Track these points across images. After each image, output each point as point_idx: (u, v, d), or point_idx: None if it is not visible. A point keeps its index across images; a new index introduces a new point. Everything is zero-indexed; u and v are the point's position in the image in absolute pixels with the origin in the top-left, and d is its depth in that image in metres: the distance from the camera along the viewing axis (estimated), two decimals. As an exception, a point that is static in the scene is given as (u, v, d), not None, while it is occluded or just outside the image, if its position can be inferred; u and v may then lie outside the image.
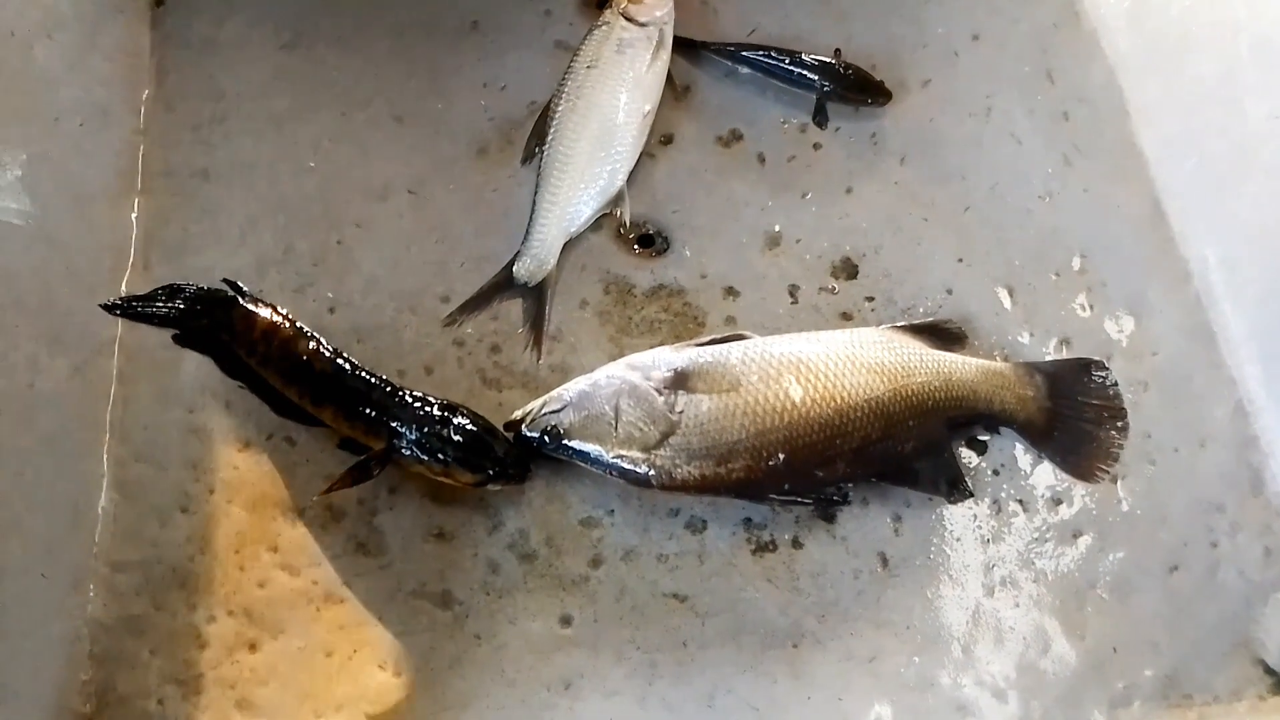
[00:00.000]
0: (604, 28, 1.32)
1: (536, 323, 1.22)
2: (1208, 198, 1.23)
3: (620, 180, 1.27)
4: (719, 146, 1.34)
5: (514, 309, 1.22)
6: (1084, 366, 1.18)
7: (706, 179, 1.31)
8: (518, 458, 1.08)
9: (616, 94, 1.28)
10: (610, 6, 1.33)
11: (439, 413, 1.08)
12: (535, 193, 1.26)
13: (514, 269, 1.24)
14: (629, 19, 1.31)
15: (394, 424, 1.07)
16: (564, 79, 1.31)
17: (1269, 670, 1.04)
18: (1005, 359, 1.18)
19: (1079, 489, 1.13)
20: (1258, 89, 1.17)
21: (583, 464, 1.11)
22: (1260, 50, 1.15)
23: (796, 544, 1.10)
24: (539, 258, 1.24)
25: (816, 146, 1.33)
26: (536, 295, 1.24)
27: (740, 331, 1.18)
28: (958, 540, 1.10)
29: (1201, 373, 1.18)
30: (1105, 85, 1.35)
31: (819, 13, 1.42)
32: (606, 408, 1.10)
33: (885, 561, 1.10)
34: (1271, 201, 1.15)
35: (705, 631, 1.06)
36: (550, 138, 1.28)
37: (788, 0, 1.42)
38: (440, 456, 1.06)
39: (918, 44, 1.41)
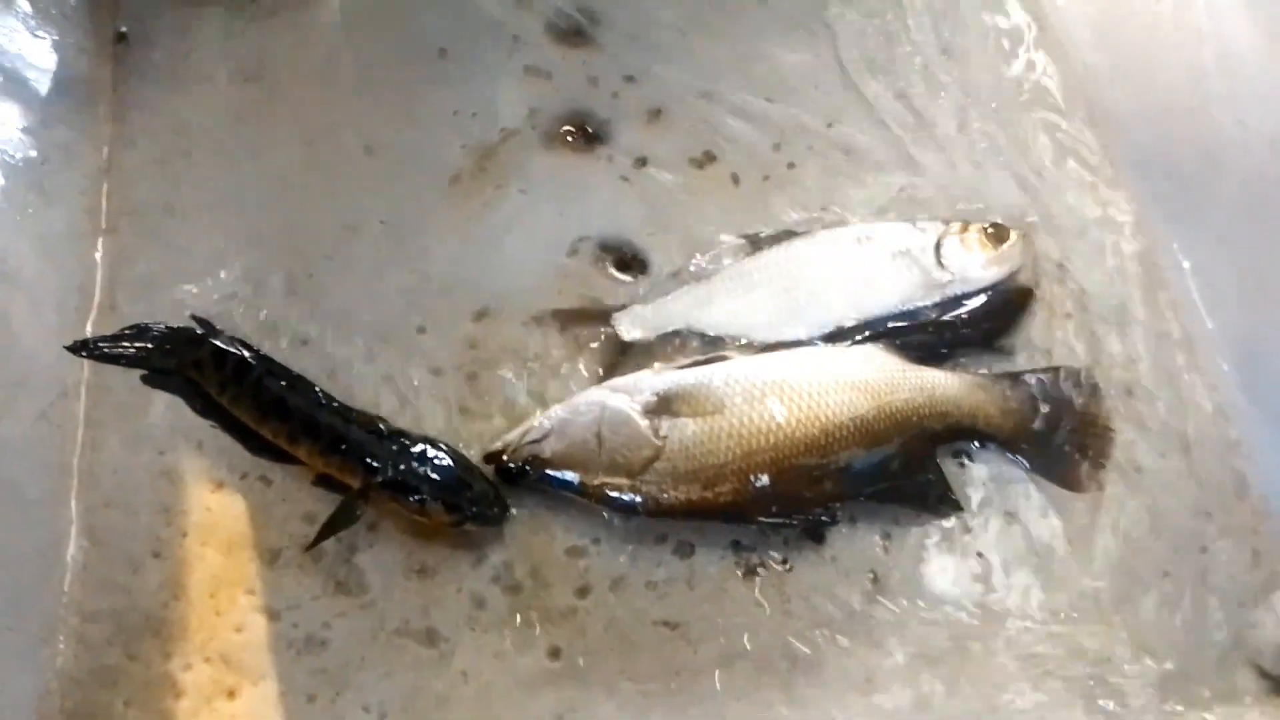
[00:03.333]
0: (908, 229, 1.22)
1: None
2: (1180, 206, 1.24)
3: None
4: (693, 168, 1.34)
5: (491, 338, 1.20)
6: (1066, 377, 1.17)
7: (680, 199, 1.30)
8: (496, 497, 1.06)
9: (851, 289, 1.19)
10: (959, 229, 1.21)
11: (416, 449, 1.06)
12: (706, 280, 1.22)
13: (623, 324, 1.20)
14: (942, 263, 1.19)
15: (370, 461, 1.05)
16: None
17: (1263, 674, 1.04)
18: (988, 372, 1.17)
19: (1067, 499, 1.12)
20: (1224, 97, 1.19)
21: (567, 493, 1.10)
22: (1224, 58, 1.17)
23: (786, 565, 1.09)
24: (644, 323, 1.20)
25: (790, 166, 1.33)
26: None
27: (723, 352, 1.16)
28: (948, 555, 1.09)
29: (1182, 379, 1.18)
30: (1074, 97, 1.36)
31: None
32: (589, 435, 1.08)
33: (876, 579, 1.08)
34: (1241, 208, 1.16)
35: (698, 659, 1.04)
36: (773, 260, 1.22)
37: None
38: (417, 496, 1.04)
39: (887, 59, 1.41)
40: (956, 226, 1.22)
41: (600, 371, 1.18)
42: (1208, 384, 1.18)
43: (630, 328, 1.20)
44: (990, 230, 1.21)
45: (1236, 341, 1.17)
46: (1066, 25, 1.39)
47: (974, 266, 1.19)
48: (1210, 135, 1.20)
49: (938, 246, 1.20)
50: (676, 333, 1.21)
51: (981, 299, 1.21)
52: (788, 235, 1.26)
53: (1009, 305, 1.22)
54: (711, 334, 1.20)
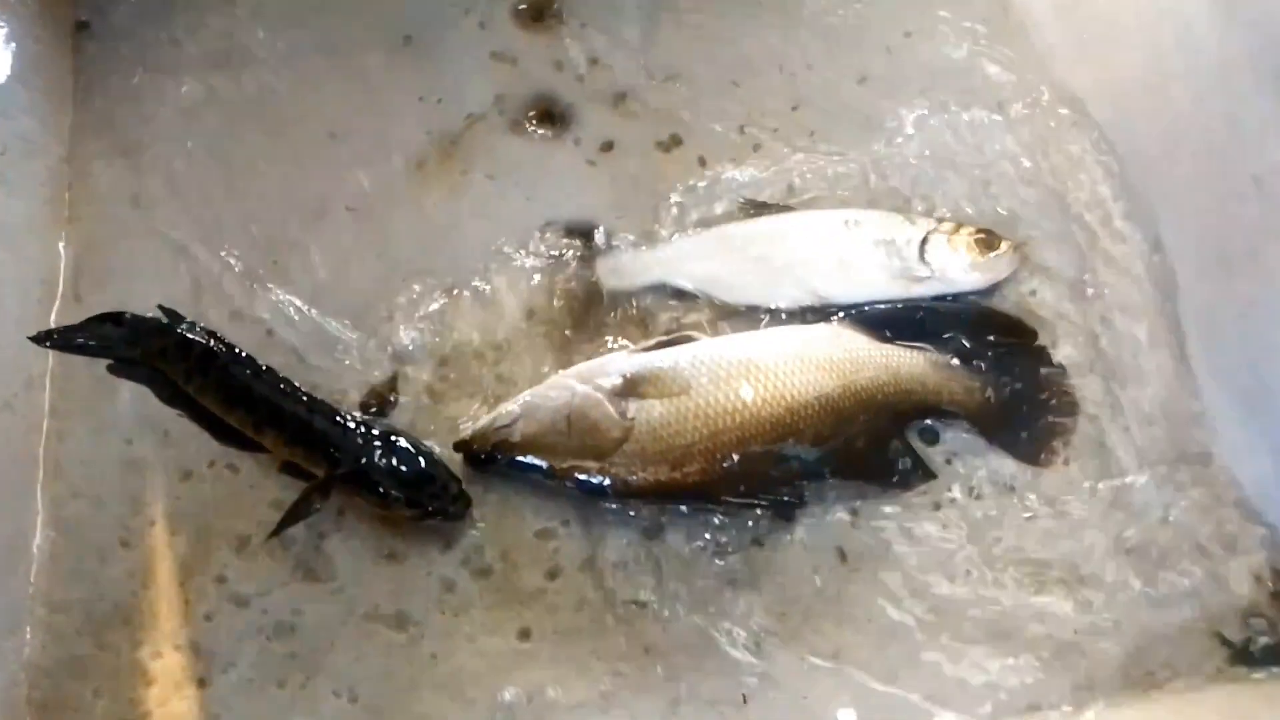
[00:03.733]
0: (899, 220, 1.21)
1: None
2: (1142, 182, 1.25)
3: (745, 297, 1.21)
4: (659, 151, 1.34)
5: (462, 323, 1.20)
6: (1029, 353, 1.18)
7: (647, 183, 1.30)
8: (458, 493, 1.06)
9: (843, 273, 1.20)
10: (950, 229, 1.20)
11: (379, 441, 1.06)
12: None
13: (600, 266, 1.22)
14: (925, 259, 1.18)
15: (334, 452, 1.04)
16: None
17: (1225, 642, 1.05)
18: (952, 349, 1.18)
19: (1032, 474, 1.13)
20: (1182, 76, 1.20)
21: (536, 477, 1.10)
22: (1184, 36, 1.18)
23: (755, 543, 1.10)
24: (625, 271, 1.22)
25: (756, 148, 1.33)
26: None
27: (688, 333, 1.17)
28: (915, 531, 1.10)
29: (1144, 353, 1.19)
30: (1037, 78, 1.36)
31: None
32: (557, 419, 1.09)
33: (844, 556, 1.09)
34: (1202, 183, 1.17)
35: (667, 637, 1.05)
36: (758, 228, 1.23)
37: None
38: (380, 490, 1.04)
39: (852, 43, 1.42)
40: (949, 226, 1.21)
41: (570, 321, 1.20)
42: (1170, 358, 1.19)
43: (610, 274, 1.22)
44: (981, 236, 1.20)
45: (1197, 314, 1.18)
46: (1029, 7, 1.40)
47: (956, 268, 1.19)
48: (1170, 113, 1.21)
49: (924, 242, 1.20)
50: (655, 286, 1.22)
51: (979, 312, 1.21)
52: (783, 208, 1.26)
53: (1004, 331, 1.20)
54: (689, 289, 1.22)
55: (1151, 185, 1.24)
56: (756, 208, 1.28)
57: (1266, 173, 1.08)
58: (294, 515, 1.03)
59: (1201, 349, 1.17)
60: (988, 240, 1.20)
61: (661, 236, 1.26)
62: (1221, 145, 1.15)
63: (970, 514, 1.12)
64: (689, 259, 1.23)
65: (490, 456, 1.10)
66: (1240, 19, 1.10)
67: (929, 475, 1.13)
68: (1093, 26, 1.33)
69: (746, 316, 1.21)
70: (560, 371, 1.14)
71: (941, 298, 1.21)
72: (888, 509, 1.12)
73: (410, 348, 1.19)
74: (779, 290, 1.21)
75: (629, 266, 1.23)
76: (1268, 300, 1.09)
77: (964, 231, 1.20)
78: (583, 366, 1.14)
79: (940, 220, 1.23)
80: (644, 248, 1.24)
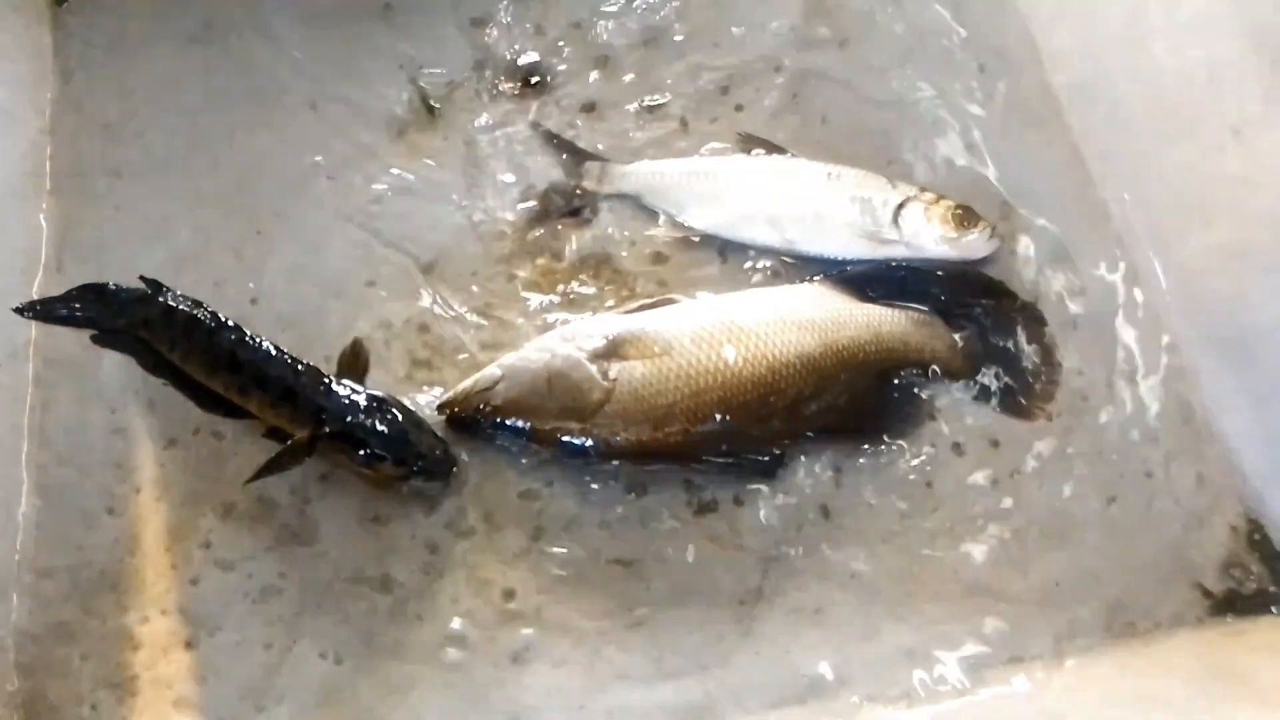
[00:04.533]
0: (881, 182, 1.21)
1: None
2: (1121, 139, 1.25)
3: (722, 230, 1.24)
4: (641, 113, 1.33)
5: (441, 289, 1.20)
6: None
7: (629, 145, 1.30)
8: (443, 452, 1.07)
9: (829, 225, 1.21)
10: (930, 199, 1.20)
11: (364, 403, 1.06)
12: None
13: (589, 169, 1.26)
14: (898, 223, 1.19)
15: (319, 413, 1.05)
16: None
17: (1206, 593, 1.05)
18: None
19: (1016, 429, 1.14)
20: (1162, 29, 1.19)
21: (519, 439, 1.10)
22: (1164, -11, 1.17)
23: (738, 502, 1.10)
24: (608, 176, 1.26)
25: (739, 108, 1.33)
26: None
27: (670, 295, 1.17)
28: (898, 487, 1.11)
29: (1127, 309, 1.19)
30: (1018, 36, 1.36)
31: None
32: (539, 381, 1.09)
33: (827, 513, 1.09)
34: (1180, 138, 1.17)
35: (651, 595, 1.06)
36: (744, 165, 1.26)
37: None
38: (364, 451, 1.04)
39: (835, 5, 1.41)
40: (929, 196, 1.21)
41: (537, 213, 1.25)
42: (1151, 314, 1.19)
43: (595, 179, 1.26)
44: (959, 211, 1.19)
45: (1179, 271, 1.18)
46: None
47: (927, 238, 1.18)
48: (1150, 67, 1.20)
49: (900, 206, 1.20)
50: (634, 199, 1.26)
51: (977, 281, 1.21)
52: (776, 148, 1.28)
53: (996, 302, 1.20)
54: (663, 211, 1.24)
55: (1130, 141, 1.23)
56: (752, 143, 1.28)
57: (1244, 124, 1.08)
58: (276, 464, 1.03)
59: (1183, 302, 1.17)
60: (965, 217, 1.19)
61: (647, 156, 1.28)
62: (1201, 98, 1.14)
63: (954, 470, 1.12)
64: (671, 181, 1.25)
65: (473, 419, 1.10)
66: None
67: (912, 431, 1.13)
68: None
69: (726, 277, 1.21)
70: (543, 335, 1.13)
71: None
72: (871, 466, 1.12)
73: (391, 314, 1.19)
74: (751, 228, 1.22)
75: (613, 175, 1.26)
76: (1247, 251, 1.09)
77: (943, 204, 1.20)
78: (565, 329, 1.14)
79: (924, 189, 1.22)
80: (630, 162, 1.27)
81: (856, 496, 1.11)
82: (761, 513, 1.10)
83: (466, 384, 1.10)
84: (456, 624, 1.04)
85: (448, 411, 1.11)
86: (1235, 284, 1.11)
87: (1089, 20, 1.28)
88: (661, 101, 1.34)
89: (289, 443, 1.04)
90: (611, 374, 1.09)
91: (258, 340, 1.11)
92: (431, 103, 1.33)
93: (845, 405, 1.12)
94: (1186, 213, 1.17)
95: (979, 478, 1.12)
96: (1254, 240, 1.09)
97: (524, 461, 1.11)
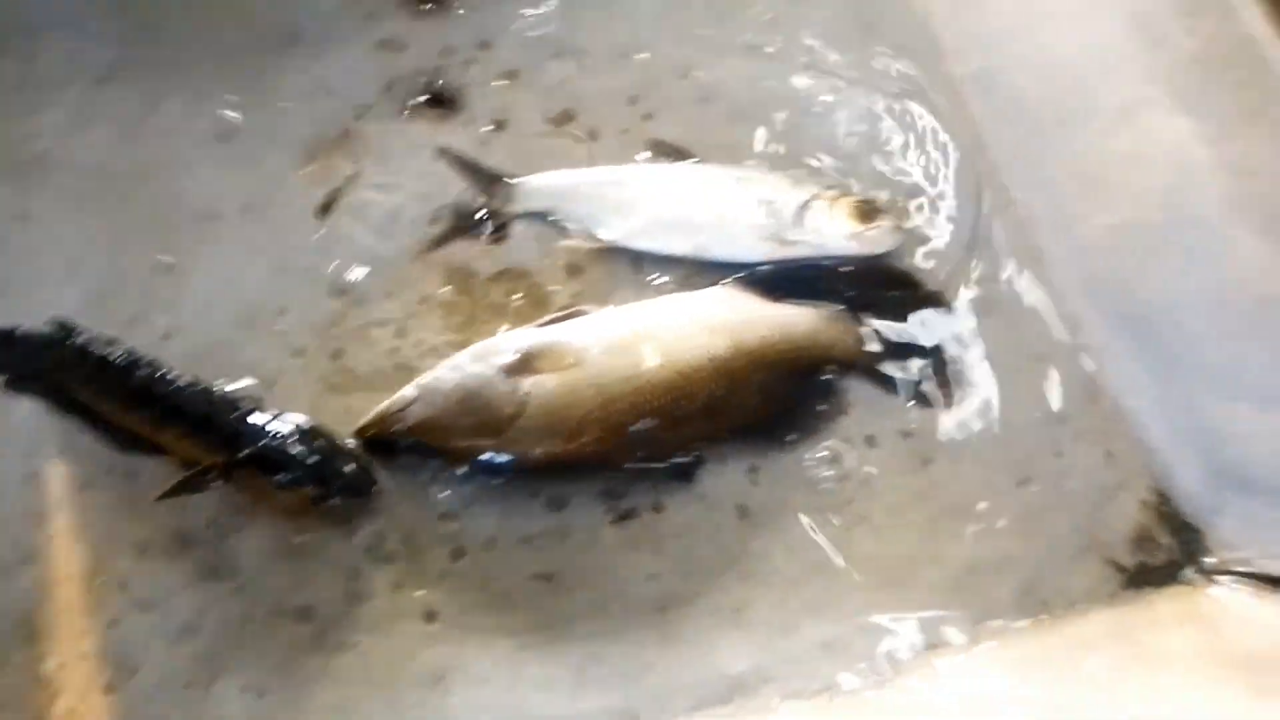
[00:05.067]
0: (787, 183, 1.22)
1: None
2: (1020, 125, 1.27)
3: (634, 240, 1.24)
4: (551, 127, 1.34)
5: (353, 313, 1.20)
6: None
7: (541, 160, 1.30)
8: (360, 471, 1.07)
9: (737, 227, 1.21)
10: (833, 195, 1.21)
11: (280, 427, 1.07)
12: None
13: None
14: (802, 222, 1.19)
15: (235, 439, 1.05)
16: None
17: (1119, 568, 1.07)
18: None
19: (927, 418, 1.15)
20: (1053, 15, 1.21)
21: (436, 459, 1.11)
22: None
23: (657, 509, 1.11)
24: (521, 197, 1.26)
25: (647, 116, 1.34)
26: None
27: (580, 307, 1.18)
28: (814, 482, 1.12)
29: (1031, 293, 1.21)
30: (918, 31, 1.37)
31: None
32: (453, 400, 1.09)
33: (745, 513, 1.10)
34: (1075, 122, 1.19)
35: (573, 607, 1.06)
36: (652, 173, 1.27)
37: None
38: (282, 475, 1.04)
39: (741, 8, 1.42)
40: (833, 193, 1.22)
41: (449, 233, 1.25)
42: (1057, 295, 1.20)
43: (505, 197, 1.26)
44: (863, 206, 1.20)
45: (1079, 253, 1.20)
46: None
47: (831, 235, 1.19)
48: (1043, 54, 1.23)
49: (804, 206, 1.21)
50: (545, 213, 1.26)
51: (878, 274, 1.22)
52: (686, 154, 1.29)
53: (905, 293, 1.22)
54: (574, 224, 1.25)
55: (1029, 129, 1.25)
56: (663, 151, 1.30)
57: (1132, 105, 1.10)
58: (187, 485, 1.04)
59: (1085, 282, 1.19)
60: (869, 211, 1.20)
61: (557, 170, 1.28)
62: (1092, 82, 1.17)
63: (868, 462, 1.13)
64: (578, 194, 1.26)
65: (389, 442, 1.10)
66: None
67: (826, 427, 1.14)
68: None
69: (639, 286, 1.22)
70: (455, 354, 1.14)
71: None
72: (786, 463, 1.13)
73: (304, 341, 1.19)
74: (661, 236, 1.23)
75: (521, 189, 1.27)
76: (1143, 228, 1.11)
77: (846, 200, 1.21)
78: (476, 346, 1.14)
79: (829, 187, 1.23)
80: (539, 177, 1.27)
81: (773, 494, 1.11)
82: (680, 517, 1.11)
83: (381, 407, 1.10)
84: (378, 649, 1.04)
85: (364, 435, 1.10)
86: (1134, 262, 1.13)
87: (983, 13, 1.31)
88: (571, 114, 1.35)
89: (202, 466, 1.04)
90: (524, 388, 1.09)
91: (171, 373, 1.11)
92: (342, 128, 1.33)
93: (758, 405, 1.14)
94: (1085, 194, 1.19)
95: (892, 468, 1.13)
96: (1148, 219, 1.11)
97: (442, 482, 1.11)
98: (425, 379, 1.11)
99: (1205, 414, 1.06)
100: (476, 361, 1.12)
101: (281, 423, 1.08)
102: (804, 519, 1.10)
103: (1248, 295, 1.00)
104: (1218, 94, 1.01)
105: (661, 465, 1.12)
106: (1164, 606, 1.03)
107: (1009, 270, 1.22)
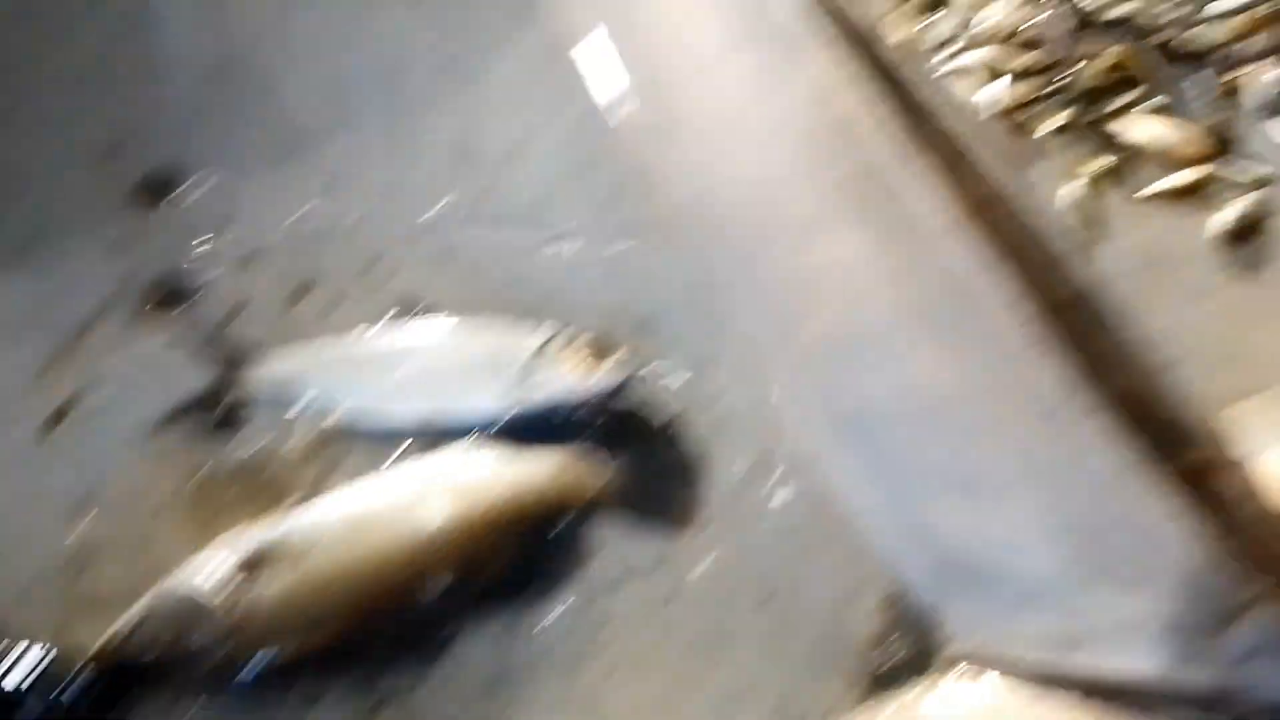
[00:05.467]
0: (517, 333, 1.25)
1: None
2: (733, 244, 1.31)
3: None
4: (289, 304, 1.35)
5: (92, 537, 1.18)
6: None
7: (281, 338, 1.30)
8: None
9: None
10: (564, 340, 1.23)
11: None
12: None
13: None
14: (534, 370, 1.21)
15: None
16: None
17: (861, 673, 1.09)
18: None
19: (676, 545, 1.17)
20: (752, 138, 1.26)
21: (175, 676, 1.08)
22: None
23: (411, 689, 1.10)
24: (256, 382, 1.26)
25: (392, 274, 1.35)
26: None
27: (315, 490, 1.17)
28: (567, 630, 1.12)
29: (761, 406, 1.24)
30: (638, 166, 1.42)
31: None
32: (177, 617, 1.07)
33: (504, 678, 1.11)
34: (774, 241, 1.24)
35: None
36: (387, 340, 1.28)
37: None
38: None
39: (476, 151, 1.46)
40: (565, 336, 1.24)
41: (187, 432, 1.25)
42: (784, 405, 1.24)
43: (242, 383, 1.27)
44: (593, 345, 1.23)
45: (800, 360, 1.24)
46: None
47: (565, 378, 1.21)
48: (745, 175, 1.28)
49: (536, 353, 1.23)
50: (280, 395, 1.26)
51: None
52: (430, 312, 1.31)
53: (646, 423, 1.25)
54: (314, 399, 1.25)
55: (741, 244, 1.30)
56: (406, 309, 1.32)
57: (812, 220, 1.15)
58: None
59: (807, 390, 1.23)
60: (600, 350, 1.23)
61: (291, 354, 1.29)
62: (785, 198, 1.22)
63: (622, 601, 1.14)
64: (317, 368, 1.27)
65: (124, 669, 1.07)
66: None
67: (579, 572, 1.15)
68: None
69: (384, 455, 1.22)
70: (179, 568, 1.12)
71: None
72: (541, 620, 1.13)
73: (44, 564, 1.16)
74: (403, 398, 1.24)
75: (258, 372, 1.28)
76: (840, 333, 1.16)
77: (576, 343, 1.23)
78: (208, 550, 1.13)
79: (559, 331, 1.26)
80: (272, 359, 1.28)
81: (529, 653, 1.11)
82: (435, 692, 1.10)
83: (110, 632, 1.08)
84: None
85: (97, 663, 1.07)
86: (841, 367, 1.18)
87: (685, 148, 1.36)
88: (312, 286, 1.36)
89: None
90: (257, 585, 1.08)
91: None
92: (72, 340, 1.32)
93: (503, 566, 1.14)
94: (795, 305, 1.24)
95: (644, 604, 1.14)
96: (842, 327, 1.15)
97: (190, 695, 1.08)
98: (151, 596, 1.10)
99: (924, 508, 1.10)
100: (207, 567, 1.10)
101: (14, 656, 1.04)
102: (563, 671, 1.10)
103: (928, 396, 1.04)
104: (876, 209, 1.07)
105: (411, 641, 1.10)
106: (914, 702, 1.05)
107: (739, 385, 1.25)
